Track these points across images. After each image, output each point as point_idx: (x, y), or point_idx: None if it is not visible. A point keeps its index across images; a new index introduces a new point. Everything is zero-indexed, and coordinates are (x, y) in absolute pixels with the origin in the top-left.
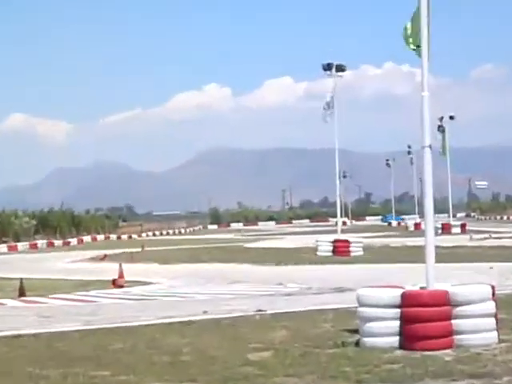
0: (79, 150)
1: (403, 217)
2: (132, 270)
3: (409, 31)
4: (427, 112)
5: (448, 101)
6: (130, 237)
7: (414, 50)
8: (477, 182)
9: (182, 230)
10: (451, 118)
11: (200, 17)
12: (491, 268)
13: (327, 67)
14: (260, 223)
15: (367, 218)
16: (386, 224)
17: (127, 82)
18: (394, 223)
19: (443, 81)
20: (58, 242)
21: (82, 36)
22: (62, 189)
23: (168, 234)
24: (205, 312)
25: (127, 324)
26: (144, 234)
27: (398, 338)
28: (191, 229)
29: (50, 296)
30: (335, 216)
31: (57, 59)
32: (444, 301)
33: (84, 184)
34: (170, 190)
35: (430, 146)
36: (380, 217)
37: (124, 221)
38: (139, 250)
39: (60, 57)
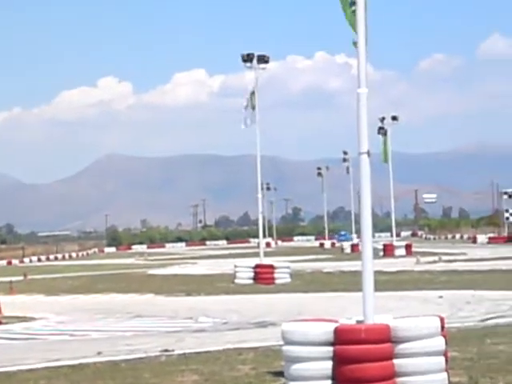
0: None
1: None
2: (12, 304)
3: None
4: (365, 112)
5: (392, 98)
6: (10, 262)
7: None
8: (424, 195)
9: (74, 254)
10: (394, 118)
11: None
12: (441, 297)
13: (247, 58)
14: (167, 245)
15: (295, 238)
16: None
17: (1, 76)
18: (328, 244)
19: (386, 74)
20: None
21: None
22: None
23: (56, 258)
24: (99, 353)
25: (6, 369)
26: (27, 259)
27: (330, 381)
28: (84, 252)
29: None
30: (257, 236)
31: None
32: (384, 337)
33: None
34: (58, 205)
35: (369, 153)
36: (308, 237)
37: (3, 243)
38: (21, 278)
39: None
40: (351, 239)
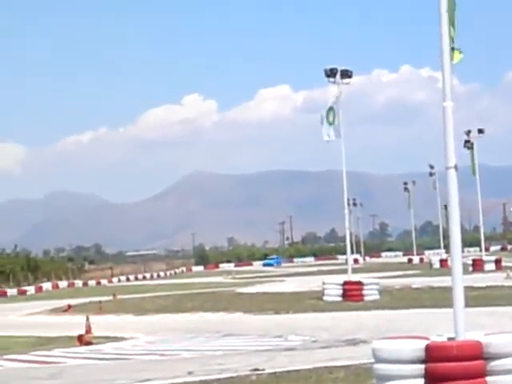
0: (34, 179)
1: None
2: (102, 324)
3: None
4: (451, 126)
5: (478, 110)
6: (99, 283)
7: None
8: None
9: (162, 274)
10: (480, 131)
11: (180, 18)
12: None
13: (330, 73)
14: (255, 263)
15: (383, 253)
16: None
17: (88, 96)
18: (416, 259)
19: (472, 87)
20: (11, 291)
21: (29, 46)
22: (14, 226)
23: (144, 278)
24: (190, 373)
25: None
26: (115, 279)
27: None
28: (172, 271)
29: (0, 357)
30: (345, 252)
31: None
32: (476, 353)
33: (41, 219)
34: (145, 224)
35: (456, 167)
36: (396, 253)
37: (91, 263)
38: (110, 298)
39: (6, 68)
40: (280, 263)
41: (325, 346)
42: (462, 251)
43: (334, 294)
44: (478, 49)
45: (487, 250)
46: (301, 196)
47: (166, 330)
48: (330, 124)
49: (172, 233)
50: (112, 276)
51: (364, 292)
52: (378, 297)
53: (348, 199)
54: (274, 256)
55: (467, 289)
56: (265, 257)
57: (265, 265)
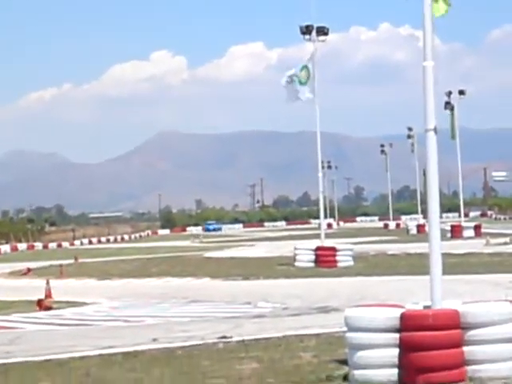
0: None
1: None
2: (63, 288)
3: None
4: (431, 86)
5: (460, 71)
6: (60, 245)
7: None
8: (494, 173)
9: (126, 237)
10: (461, 92)
11: None
12: None
13: (306, 30)
14: (224, 226)
15: (358, 218)
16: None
17: (51, 51)
18: (392, 225)
19: (454, 46)
20: None
21: None
22: None
23: (108, 241)
24: (155, 340)
25: (57, 356)
26: (78, 242)
27: (396, 369)
28: (137, 235)
29: None
30: (318, 217)
31: None
32: (453, 323)
33: (0, 179)
34: (109, 185)
35: (436, 129)
36: (371, 218)
37: (52, 225)
38: (71, 261)
39: None
40: (220, 229)
41: (296, 313)
42: (441, 217)
43: (305, 259)
44: (461, 7)
45: (466, 215)
46: (273, 158)
47: (130, 296)
48: (302, 83)
49: (139, 195)
50: (74, 238)
51: (337, 258)
52: (352, 263)
53: (322, 162)
54: (213, 222)
55: (445, 256)
56: (233, 221)
57: (207, 230)
